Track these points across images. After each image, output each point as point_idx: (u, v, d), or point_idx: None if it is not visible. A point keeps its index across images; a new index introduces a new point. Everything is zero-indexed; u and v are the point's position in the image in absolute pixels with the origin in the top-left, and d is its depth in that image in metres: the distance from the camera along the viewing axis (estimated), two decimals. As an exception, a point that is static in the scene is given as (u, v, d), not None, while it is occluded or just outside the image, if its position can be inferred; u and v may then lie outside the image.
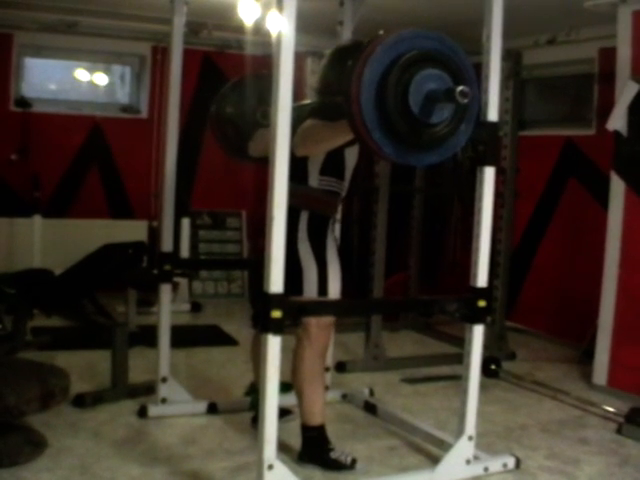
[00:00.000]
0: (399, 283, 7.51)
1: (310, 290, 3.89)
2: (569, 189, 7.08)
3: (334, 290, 3.94)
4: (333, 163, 3.96)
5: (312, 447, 4.02)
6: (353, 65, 3.25)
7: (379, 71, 3.21)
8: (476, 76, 3.50)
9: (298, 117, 3.50)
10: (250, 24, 6.15)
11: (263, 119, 4.30)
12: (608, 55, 5.94)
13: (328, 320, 4.01)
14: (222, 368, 5.80)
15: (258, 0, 5.90)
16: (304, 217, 3.91)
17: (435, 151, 3.46)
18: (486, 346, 4.50)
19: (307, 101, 4.10)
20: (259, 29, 6.31)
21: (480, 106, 3.68)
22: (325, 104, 3.87)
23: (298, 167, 3.55)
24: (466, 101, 3.24)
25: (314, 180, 3.94)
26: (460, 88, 3.21)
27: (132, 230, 7.57)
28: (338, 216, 4.49)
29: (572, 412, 5.15)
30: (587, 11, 5.50)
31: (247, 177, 7.67)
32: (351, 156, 4.02)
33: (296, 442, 4.11)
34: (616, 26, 5.42)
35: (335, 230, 4.27)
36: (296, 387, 4.03)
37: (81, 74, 8.23)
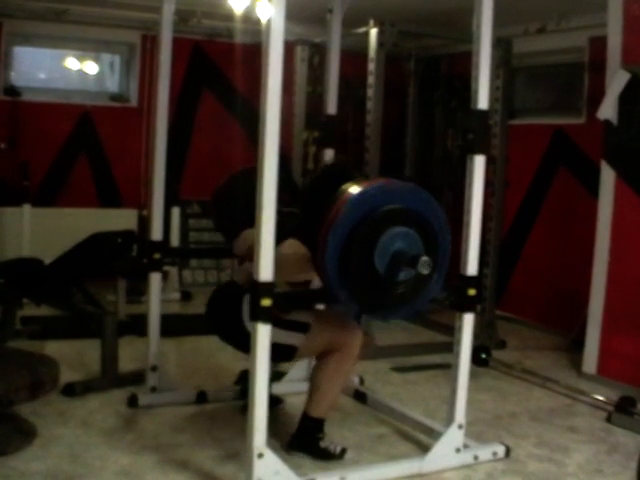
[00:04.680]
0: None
1: (297, 340, 3.91)
2: (559, 178, 7.09)
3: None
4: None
5: (304, 435, 4.02)
6: (320, 227, 3.32)
7: (344, 234, 3.28)
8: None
9: (280, 234, 3.47)
10: (240, 12, 6.14)
11: None
12: (598, 44, 5.94)
13: (354, 330, 4.03)
14: (212, 357, 5.78)
15: (248, -12, 5.88)
16: (246, 300, 3.73)
17: (407, 305, 3.54)
18: (476, 335, 4.52)
19: (293, 210, 4.09)
20: (249, 17, 6.30)
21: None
22: (308, 225, 3.83)
23: None
24: (427, 272, 3.28)
25: None
26: (423, 259, 3.29)
27: (122, 219, 7.54)
28: None
29: (562, 400, 5.17)
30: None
31: (237, 166, 7.65)
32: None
33: (286, 431, 4.11)
34: (606, 15, 5.42)
35: None
36: (315, 380, 4.03)
37: (70, 62, 8.19)
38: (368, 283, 3.31)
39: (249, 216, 4.10)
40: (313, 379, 4.06)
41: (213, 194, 4.84)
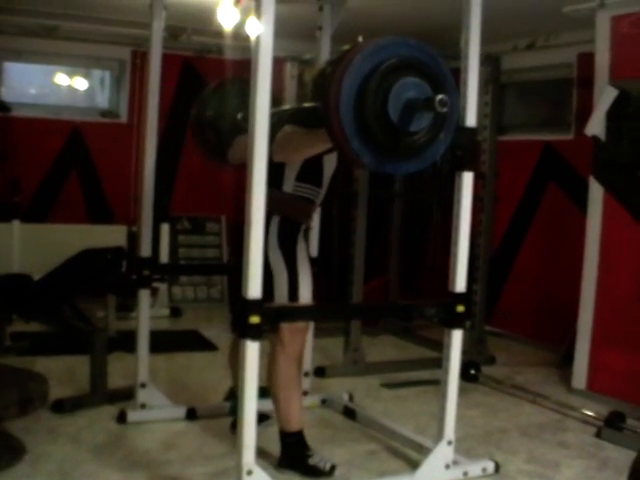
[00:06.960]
0: (379, 287, 7.51)
1: (281, 296, 3.88)
2: (548, 193, 7.11)
3: (305, 295, 3.92)
4: (311, 170, 3.95)
5: (291, 453, 4.02)
6: (332, 73, 3.25)
7: (358, 79, 3.21)
8: (455, 83, 3.51)
9: (277, 122, 3.48)
10: (229, 29, 6.14)
11: (244, 122, 4.27)
12: (587, 60, 5.96)
13: (301, 325, 3.99)
14: (201, 373, 5.78)
15: (237, 5, 5.89)
16: (275, 222, 3.87)
17: (414, 160, 3.47)
18: (465, 350, 4.53)
19: (286, 106, 4.09)
20: (238, 34, 6.30)
21: (459, 112, 3.69)
22: (305, 110, 3.86)
23: (275, 171, 3.56)
24: (445, 110, 3.25)
25: (289, 186, 3.92)
26: (439, 97, 3.22)
27: (111, 235, 7.52)
28: (314, 224, 4.49)
29: (551, 416, 5.17)
30: (566, 16, 5.52)
31: (227, 182, 7.66)
32: (329, 163, 4.01)
33: (275, 447, 4.11)
34: (594, 31, 5.45)
35: (309, 238, 4.25)
36: (272, 393, 4.02)
37: (61, 78, 8.20)
38: (382, 132, 3.25)
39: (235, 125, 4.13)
40: (271, 395, 4.03)
41: (191, 124, 4.77)
